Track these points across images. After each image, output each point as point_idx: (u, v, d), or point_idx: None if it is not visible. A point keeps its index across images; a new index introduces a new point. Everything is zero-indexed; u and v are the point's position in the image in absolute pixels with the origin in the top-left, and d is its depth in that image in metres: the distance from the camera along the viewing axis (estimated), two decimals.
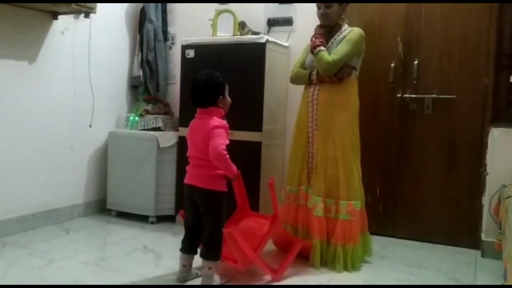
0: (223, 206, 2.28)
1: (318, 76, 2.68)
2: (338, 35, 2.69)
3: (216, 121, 2.24)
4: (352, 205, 2.58)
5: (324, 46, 2.64)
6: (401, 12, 3.18)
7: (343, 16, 2.73)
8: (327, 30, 2.72)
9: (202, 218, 2.28)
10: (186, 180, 2.33)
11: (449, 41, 3.07)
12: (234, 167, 2.26)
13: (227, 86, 2.34)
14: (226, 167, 2.21)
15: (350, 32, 2.66)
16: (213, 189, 2.24)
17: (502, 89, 2.93)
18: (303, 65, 2.84)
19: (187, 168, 2.35)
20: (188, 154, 2.34)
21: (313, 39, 2.69)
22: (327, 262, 2.60)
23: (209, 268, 2.24)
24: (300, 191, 2.77)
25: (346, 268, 2.55)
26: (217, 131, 2.19)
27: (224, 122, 2.28)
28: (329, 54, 2.60)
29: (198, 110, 2.33)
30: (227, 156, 2.18)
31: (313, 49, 2.66)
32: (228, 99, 2.35)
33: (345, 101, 2.65)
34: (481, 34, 3.00)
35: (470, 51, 3.03)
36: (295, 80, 2.88)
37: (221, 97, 2.30)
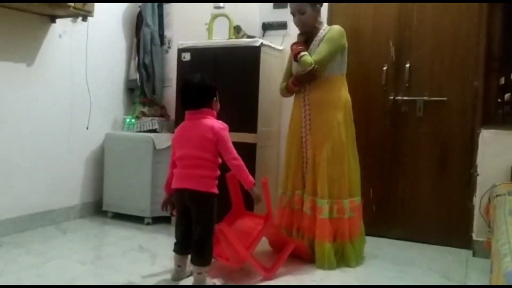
0: (214, 209, 2.20)
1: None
2: (318, 36, 2.72)
3: (218, 122, 2.24)
4: (354, 201, 2.68)
5: (305, 51, 2.68)
6: (393, 16, 3.25)
7: (319, 18, 2.78)
8: (307, 36, 2.76)
9: (193, 222, 2.22)
10: (176, 185, 2.25)
11: (440, 45, 3.13)
12: (251, 178, 2.27)
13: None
14: (245, 178, 2.25)
15: (328, 31, 2.70)
16: (204, 190, 2.17)
17: (492, 91, 3.01)
18: (290, 76, 2.87)
19: (176, 171, 2.28)
20: (178, 156, 2.25)
21: (293, 47, 2.74)
22: (336, 261, 2.62)
23: (199, 273, 2.18)
24: (295, 196, 2.79)
25: (357, 261, 2.65)
26: (225, 134, 2.22)
27: (224, 124, 2.26)
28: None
29: (188, 112, 2.28)
30: (244, 166, 2.24)
31: (295, 56, 2.71)
32: (218, 104, 2.36)
33: (336, 99, 2.70)
34: (471, 38, 3.06)
35: (460, 55, 3.09)
36: (285, 93, 2.91)
37: (215, 98, 2.31)
